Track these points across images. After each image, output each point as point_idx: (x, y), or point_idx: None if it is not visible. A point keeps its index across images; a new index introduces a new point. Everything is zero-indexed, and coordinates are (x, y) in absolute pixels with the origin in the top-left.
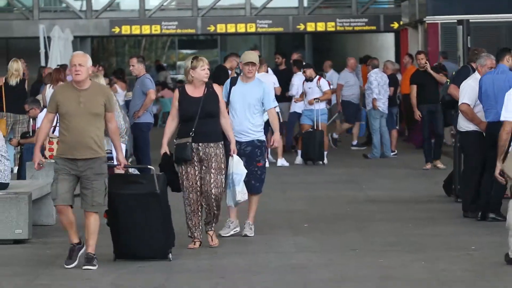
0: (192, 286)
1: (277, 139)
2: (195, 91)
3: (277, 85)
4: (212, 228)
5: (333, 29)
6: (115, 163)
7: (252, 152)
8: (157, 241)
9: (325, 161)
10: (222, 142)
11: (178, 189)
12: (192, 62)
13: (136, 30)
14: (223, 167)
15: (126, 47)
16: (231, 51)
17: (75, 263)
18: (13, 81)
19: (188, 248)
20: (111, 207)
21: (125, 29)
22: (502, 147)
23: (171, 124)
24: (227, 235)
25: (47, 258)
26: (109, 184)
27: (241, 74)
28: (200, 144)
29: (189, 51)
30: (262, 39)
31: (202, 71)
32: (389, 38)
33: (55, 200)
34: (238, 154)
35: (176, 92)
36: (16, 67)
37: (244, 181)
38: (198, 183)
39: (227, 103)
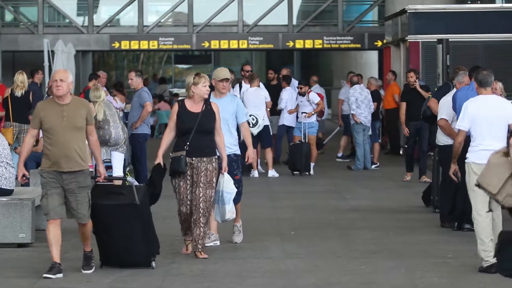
0: None
1: (251, 155)
2: (194, 106)
3: (269, 99)
4: (200, 249)
5: (320, 46)
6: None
7: (229, 167)
8: (139, 250)
9: (312, 172)
10: (216, 157)
11: (153, 201)
12: (194, 78)
13: (134, 45)
14: (213, 181)
15: (125, 61)
16: (224, 66)
17: (54, 276)
18: (18, 93)
19: (182, 253)
20: (94, 217)
21: (125, 44)
22: (456, 153)
23: (168, 137)
24: (206, 245)
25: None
26: (91, 194)
27: (214, 90)
28: (193, 158)
29: (184, 66)
30: (253, 55)
31: (204, 87)
32: (373, 55)
33: (48, 215)
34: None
35: (176, 106)
36: (21, 79)
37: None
38: (189, 197)
39: None
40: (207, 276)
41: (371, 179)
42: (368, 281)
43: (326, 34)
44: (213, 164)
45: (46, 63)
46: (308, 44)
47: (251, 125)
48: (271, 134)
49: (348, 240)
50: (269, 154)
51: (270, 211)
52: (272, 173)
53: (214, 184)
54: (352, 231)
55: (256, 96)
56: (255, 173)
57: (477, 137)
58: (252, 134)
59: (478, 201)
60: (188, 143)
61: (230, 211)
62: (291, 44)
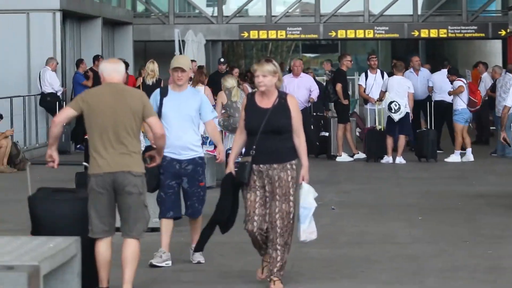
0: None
1: (221, 154)
2: (263, 101)
3: (412, 90)
4: (277, 276)
5: (445, 35)
6: None
7: (194, 171)
8: None
9: (471, 158)
10: (293, 162)
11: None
12: (253, 65)
13: (263, 35)
14: (290, 193)
15: (254, 50)
16: (351, 55)
17: None
18: (149, 81)
19: (257, 278)
20: None
21: (253, 34)
22: None
23: (239, 139)
24: (158, 264)
25: (181, 246)
26: None
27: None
28: (261, 165)
29: (312, 55)
30: (379, 44)
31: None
32: (497, 44)
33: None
34: (177, 174)
35: (244, 99)
36: (152, 67)
37: (187, 204)
38: (257, 211)
39: (159, 115)
40: (334, 260)
41: (496, 165)
42: (495, 265)
43: (450, 24)
44: (289, 171)
45: (177, 52)
46: (433, 33)
47: (393, 111)
48: (410, 122)
49: (474, 225)
50: (402, 141)
51: (397, 197)
52: (399, 159)
53: (291, 197)
54: (478, 216)
55: (400, 85)
56: (389, 159)
57: None
58: (393, 120)
59: None
60: (254, 146)
61: (305, 231)
62: (416, 33)
